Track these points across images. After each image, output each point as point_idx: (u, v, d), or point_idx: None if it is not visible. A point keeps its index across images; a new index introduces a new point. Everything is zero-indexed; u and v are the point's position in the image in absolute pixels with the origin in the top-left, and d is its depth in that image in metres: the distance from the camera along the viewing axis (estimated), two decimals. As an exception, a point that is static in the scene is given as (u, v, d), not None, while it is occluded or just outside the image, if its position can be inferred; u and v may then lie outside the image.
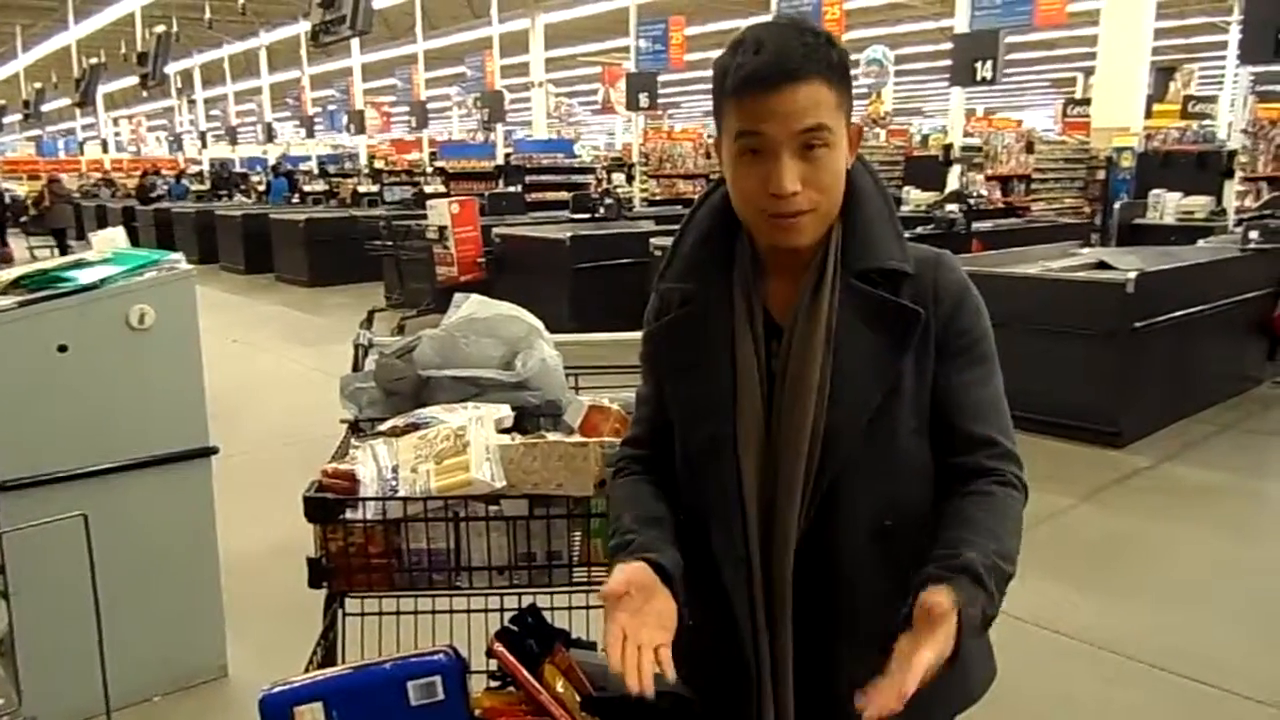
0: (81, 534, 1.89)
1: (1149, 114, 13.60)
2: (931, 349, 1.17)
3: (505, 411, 1.63)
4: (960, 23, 9.09)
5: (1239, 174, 8.72)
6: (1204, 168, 9.76)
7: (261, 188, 20.17)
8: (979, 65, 8.86)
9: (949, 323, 1.18)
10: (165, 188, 21.07)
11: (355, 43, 16.21)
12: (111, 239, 3.23)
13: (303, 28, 16.15)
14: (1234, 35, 16.89)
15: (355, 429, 1.78)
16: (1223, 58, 19.43)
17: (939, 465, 1.19)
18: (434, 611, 1.68)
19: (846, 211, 1.19)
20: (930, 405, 1.18)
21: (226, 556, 3.01)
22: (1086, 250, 7.18)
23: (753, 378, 1.17)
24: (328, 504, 1.46)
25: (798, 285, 1.18)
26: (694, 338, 1.22)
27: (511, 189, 15.13)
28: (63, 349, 2.60)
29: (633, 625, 1.05)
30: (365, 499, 1.46)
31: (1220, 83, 20.38)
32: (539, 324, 1.83)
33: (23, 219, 18.95)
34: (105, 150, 28.79)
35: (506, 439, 1.55)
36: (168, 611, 2.86)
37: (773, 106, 1.08)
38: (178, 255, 2.90)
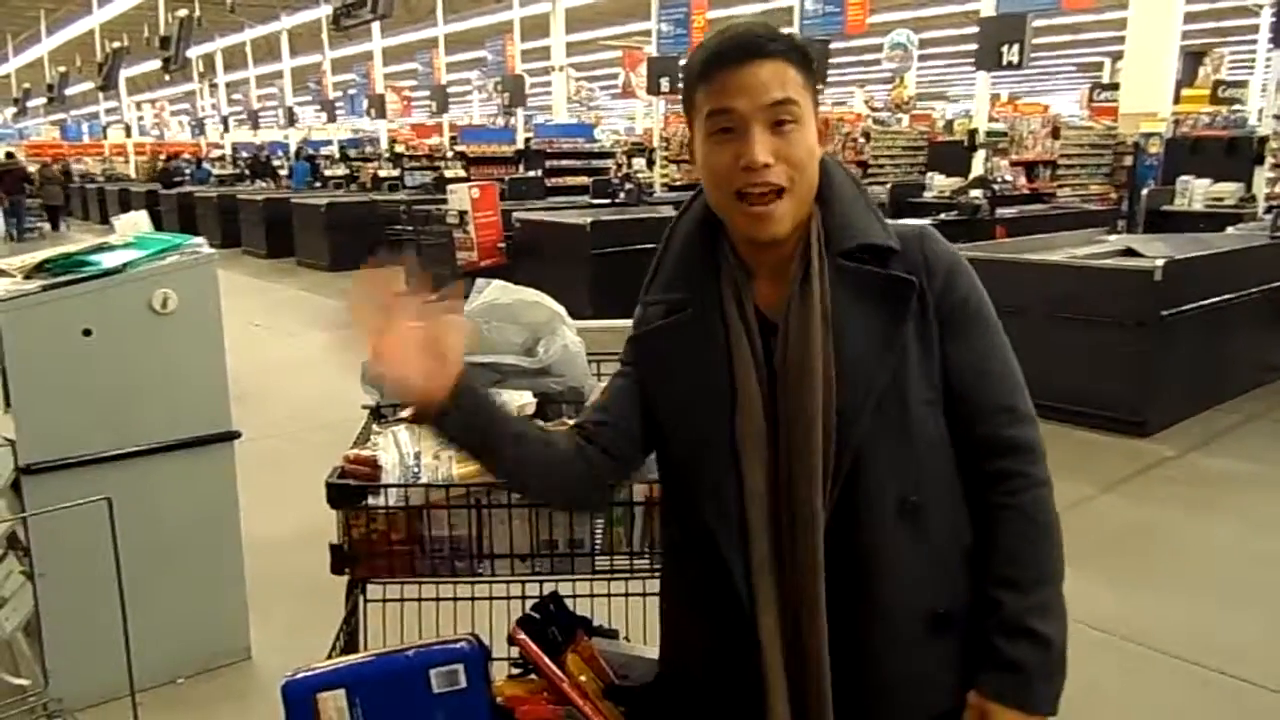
0: (105, 517, 1.91)
1: (1178, 99, 13.39)
2: (933, 320, 1.17)
3: (527, 398, 1.62)
4: (986, 6, 8.96)
5: (1269, 160, 8.56)
6: (1233, 154, 9.59)
7: (285, 173, 20.27)
8: (1005, 49, 8.76)
9: (945, 293, 1.18)
10: (188, 172, 21.19)
11: (376, 26, 16.21)
12: (135, 223, 3.25)
13: (324, 11, 16.17)
14: (1265, 19, 16.58)
15: (377, 415, 1.77)
16: (1254, 41, 19.09)
17: (959, 437, 1.19)
18: (456, 598, 1.68)
19: (823, 198, 1.19)
20: (942, 378, 1.18)
21: (249, 540, 3.02)
22: (1113, 237, 7.08)
23: (750, 377, 1.16)
24: (350, 490, 1.46)
25: (786, 279, 1.18)
26: (686, 343, 1.21)
27: (531, 174, 15.12)
28: (87, 333, 2.61)
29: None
30: (387, 485, 1.46)
31: (1251, 67, 20.04)
32: (561, 310, 1.81)
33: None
34: (128, 134, 28.96)
35: (529, 426, 1.54)
36: (191, 594, 2.88)
37: (741, 82, 1.11)
38: (200, 240, 2.90)
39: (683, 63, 1.20)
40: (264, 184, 20.23)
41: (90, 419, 2.65)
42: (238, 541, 2.98)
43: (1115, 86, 15.66)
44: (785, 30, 1.18)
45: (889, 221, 1.23)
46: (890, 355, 1.14)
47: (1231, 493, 4.67)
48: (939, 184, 10.92)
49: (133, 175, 24.83)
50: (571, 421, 1.38)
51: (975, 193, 8.86)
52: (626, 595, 1.67)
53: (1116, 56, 16.80)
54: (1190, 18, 12.22)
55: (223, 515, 2.94)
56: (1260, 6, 17.56)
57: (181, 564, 2.85)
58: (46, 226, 19.05)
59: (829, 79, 11.13)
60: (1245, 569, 3.80)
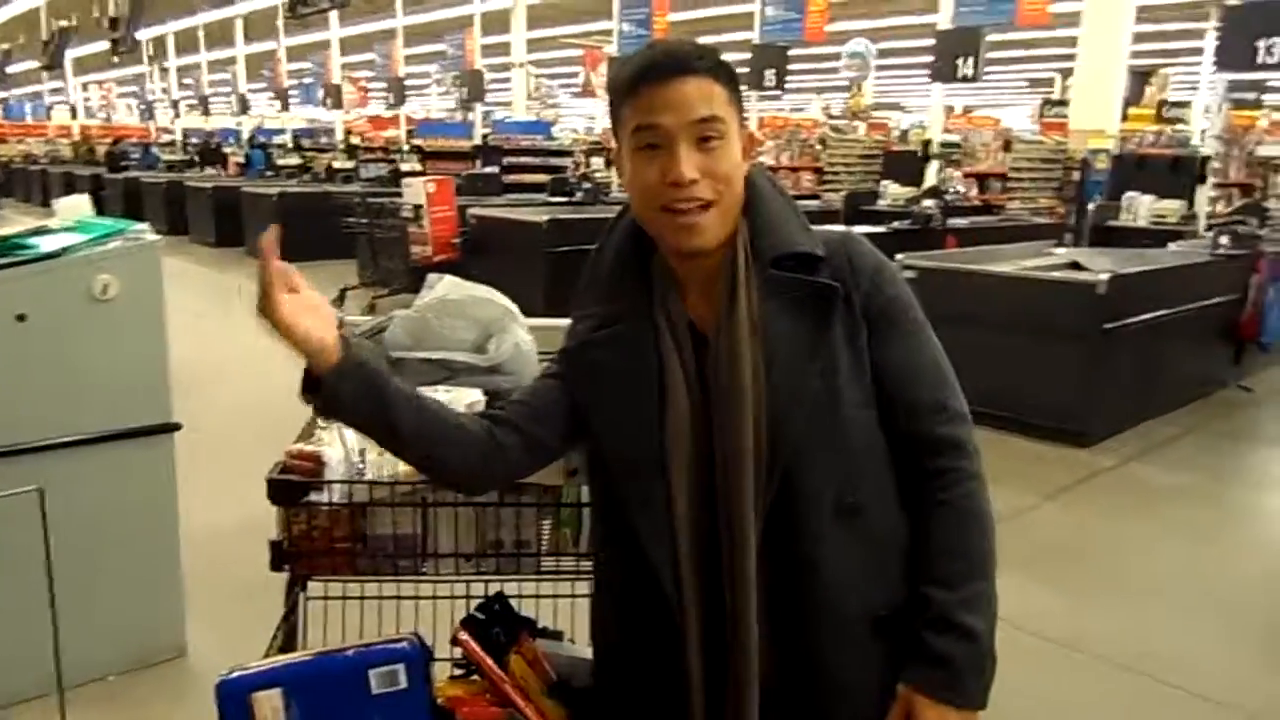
0: (36, 508, 1.85)
1: (1125, 117, 13.72)
2: (861, 323, 1.19)
3: (476, 396, 1.60)
4: (943, 19, 9.10)
5: (1211, 180, 8.82)
6: (1177, 172, 9.86)
7: (240, 160, 19.84)
8: (960, 62, 8.90)
9: (871, 295, 1.20)
10: (135, 157, 20.67)
11: (334, 15, 15.97)
12: (76, 206, 3.15)
13: (280, -2, 15.89)
14: (1210, 42, 17.07)
15: (322, 409, 1.74)
16: (1198, 63, 19.65)
17: (892, 437, 1.21)
18: (399, 597, 1.65)
19: (749, 209, 1.21)
20: (873, 379, 1.19)
21: (188, 534, 2.95)
22: (1060, 250, 7.23)
23: (680, 390, 1.18)
24: (292, 486, 1.43)
25: (716, 292, 1.19)
26: (617, 356, 1.22)
27: (489, 170, 15.00)
28: (21, 318, 2.53)
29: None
30: (331, 482, 1.43)
31: (1195, 88, 20.63)
32: (513, 307, 1.79)
33: None
34: (74, 116, 28.19)
35: (477, 424, 1.52)
36: (125, 589, 2.81)
37: (667, 97, 1.13)
38: (143, 225, 2.83)
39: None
40: (214, 171, 19.80)
41: (24, 406, 2.57)
42: (175, 535, 2.91)
43: (1065, 103, 16.01)
44: (711, 47, 1.19)
45: (821, 228, 1.25)
46: (819, 362, 1.16)
47: (1169, 502, 4.79)
48: (893, 192, 11.06)
49: (64, 156, 24.17)
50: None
51: (928, 202, 8.99)
52: (573, 596, 1.66)
53: (1067, 73, 17.16)
54: (1138, 38, 12.52)
55: (160, 508, 2.87)
56: (1205, 30, 18.09)
57: (116, 557, 2.78)
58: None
59: (787, 85, 11.21)
60: (1182, 578, 3.90)
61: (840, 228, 1.32)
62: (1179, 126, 18.22)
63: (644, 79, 1.14)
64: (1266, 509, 4.93)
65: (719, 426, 1.16)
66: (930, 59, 9.56)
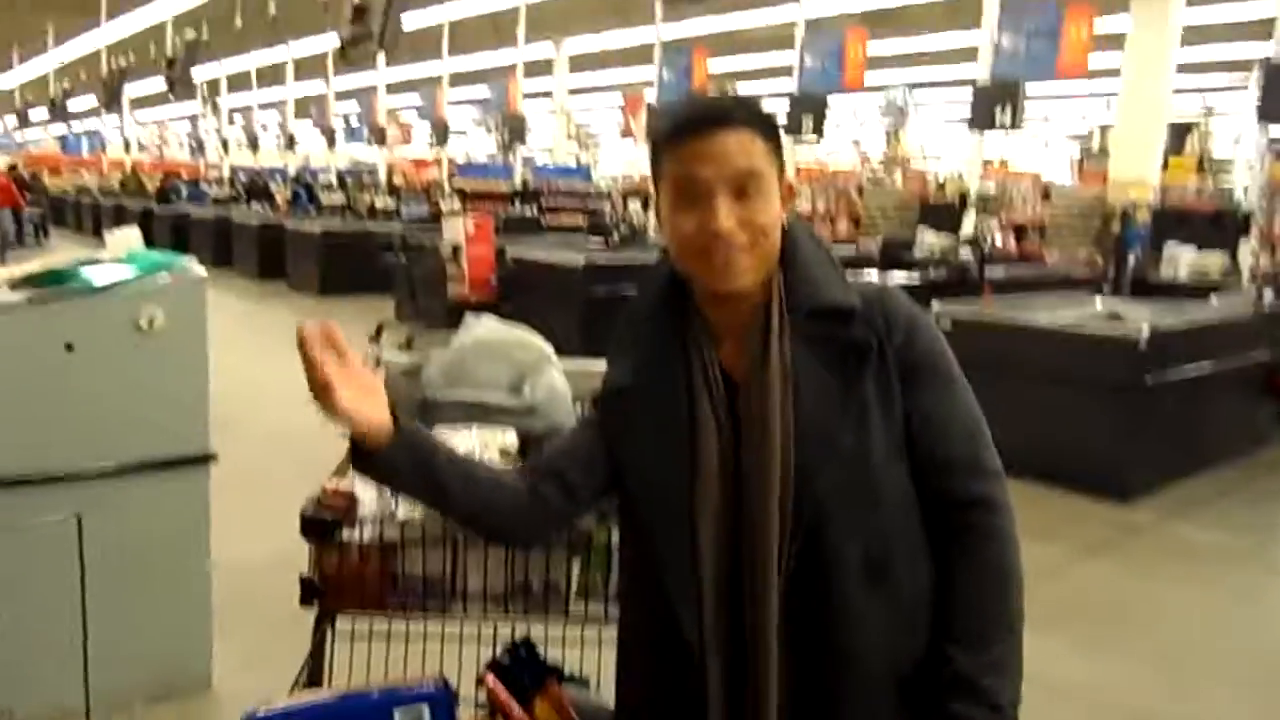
0: (74, 533, 1.88)
1: (1165, 168, 13.62)
2: (894, 378, 1.18)
3: (510, 437, 1.61)
4: (982, 70, 9.13)
5: (1254, 233, 8.69)
6: (1219, 226, 9.71)
7: (287, 197, 20.28)
8: (999, 111, 8.90)
9: (906, 349, 1.19)
10: (185, 192, 21.20)
11: (381, 58, 16.36)
12: (126, 239, 3.23)
13: (330, 41, 16.33)
14: (1252, 94, 16.95)
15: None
16: (1240, 116, 19.49)
17: (923, 492, 1.19)
18: (425, 635, 1.65)
19: (786, 259, 1.21)
20: (905, 434, 1.18)
21: (220, 564, 2.98)
22: (1100, 302, 7.15)
23: (712, 439, 1.18)
24: (325, 523, 1.44)
25: (750, 340, 1.19)
26: (650, 403, 1.22)
27: (528, 211, 15.19)
28: (69, 348, 2.59)
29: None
30: (363, 520, 1.44)
31: (1238, 140, 20.44)
32: (549, 349, 1.81)
33: None
34: (127, 150, 29.01)
35: (509, 466, 1.53)
36: (155, 618, 2.83)
37: (707, 149, 1.14)
38: (191, 260, 2.89)
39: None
40: (259, 207, 20.25)
41: (67, 434, 2.62)
42: (206, 565, 2.93)
43: (1105, 153, 15.94)
44: (753, 100, 1.20)
45: (857, 281, 1.25)
46: (850, 416, 1.16)
47: (1207, 563, 4.67)
48: (929, 241, 11.01)
49: (115, 189, 24.87)
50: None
51: (964, 252, 8.94)
52: (600, 642, 1.64)
53: (1107, 126, 17.12)
54: (1179, 90, 12.48)
55: (193, 538, 2.90)
56: (1247, 84, 17.96)
57: (147, 586, 2.80)
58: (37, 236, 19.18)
59: (824, 132, 11.27)
60: (1218, 640, 3.79)
61: (875, 278, 1.29)
62: (1222, 179, 18.04)
63: (684, 130, 1.15)
64: (1313, 572, 4.79)
65: (747, 476, 1.16)
66: (969, 107, 9.57)
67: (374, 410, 1.12)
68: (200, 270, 2.87)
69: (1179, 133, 17.72)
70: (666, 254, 1.26)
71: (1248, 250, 8.45)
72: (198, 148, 30.51)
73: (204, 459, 2.86)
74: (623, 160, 30.04)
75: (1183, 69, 12.47)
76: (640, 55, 16.77)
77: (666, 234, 1.20)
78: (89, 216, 22.17)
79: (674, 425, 1.20)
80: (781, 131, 1.24)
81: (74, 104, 24.87)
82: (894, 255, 10.74)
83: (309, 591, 1.46)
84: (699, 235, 1.15)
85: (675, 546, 1.17)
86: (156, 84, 19.74)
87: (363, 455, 1.14)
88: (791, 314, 1.19)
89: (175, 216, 17.38)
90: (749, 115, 1.16)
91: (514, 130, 16.28)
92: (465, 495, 1.20)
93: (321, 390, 1.07)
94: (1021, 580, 1.18)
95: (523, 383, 1.73)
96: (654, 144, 1.20)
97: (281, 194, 20.44)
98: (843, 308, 1.19)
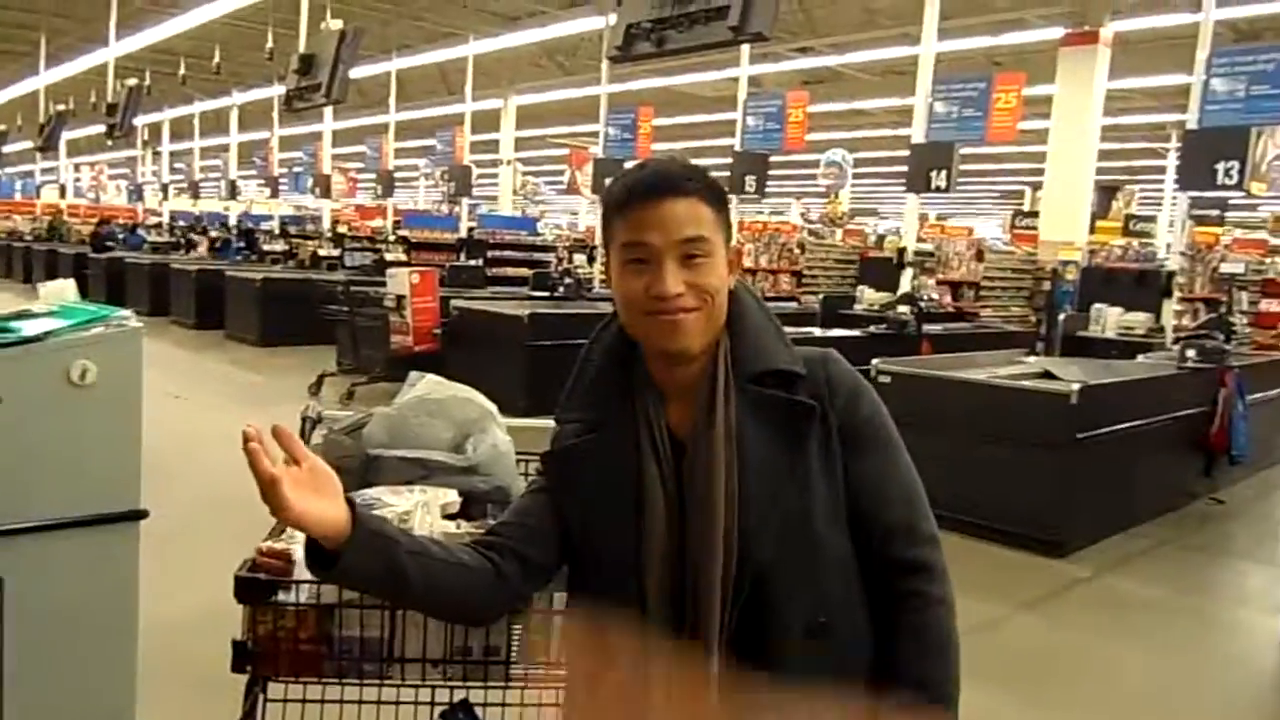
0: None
1: (1092, 229, 14.18)
2: (835, 442, 1.21)
3: (452, 496, 1.60)
4: (917, 133, 9.45)
5: (1177, 294, 9.05)
6: (1143, 285, 10.13)
7: (210, 240, 19.99)
8: (934, 174, 9.20)
9: (848, 414, 1.23)
10: (121, 237, 20.75)
11: (328, 109, 16.34)
12: (60, 291, 3.16)
13: (276, 91, 16.27)
14: (1172, 160, 17.79)
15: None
16: (1161, 180, 20.43)
17: (863, 555, 1.22)
18: (361, 701, 1.61)
19: (732, 323, 1.24)
20: (845, 498, 1.21)
21: (148, 624, 2.86)
22: (1032, 359, 7.36)
23: (657, 496, 1.20)
24: (260, 584, 1.41)
25: (696, 401, 1.22)
26: (598, 462, 1.24)
27: (473, 262, 15.18)
28: (-3, 401, 2.50)
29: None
30: (300, 581, 1.42)
31: (1159, 203, 21.39)
32: (493, 408, 1.81)
33: None
34: (62, 195, 28.39)
35: (452, 525, 1.52)
36: (78, 681, 2.70)
37: (656, 215, 1.17)
38: (127, 312, 2.84)
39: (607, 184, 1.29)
40: (198, 254, 19.91)
41: (-12, 492, 2.52)
42: (134, 627, 2.82)
43: (1035, 214, 16.53)
44: (700, 168, 1.24)
45: (801, 348, 1.28)
46: (793, 478, 1.18)
47: (1143, 616, 4.77)
48: (869, 297, 11.26)
49: (25, 234, 24.28)
50: (492, 522, 1.38)
51: (903, 308, 9.15)
52: (540, 705, 1.62)
53: (1037, 187, 17.79)
54: (1104, 155, 13.04)
55: (121, 598, 2.78)
56: (1167, 149, 18.86)
57: (68, 648, 2.68)
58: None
59: (767, 190, 11.52)
60: (1153, 692, 3.86)
61: (817, 333, 1.34)
62: (1145, 240, 18.82)
63: (635, 197, 1.19)
64: (1239, 623, 4.92)
65: (692, 534, 1.18)
66: (904, 168, 9.87)
67: (328, 510, 1.09)
68: (136, 322, 2.81)
69: (1106, 195, 18.49)
70: (615, 314, 1.28)
71: (1171, 310, 8.80)
72: (136, 193, 29.99)
73: (135, 515, 2.77)
74: (568, 212, 30.26)
75: (1107, 134, 13.05)
76: (586, 110, 17.05)
77: (616, 296, 1.23)
78: (20, 261, 21.58)
79: (621, 482, 1.21)
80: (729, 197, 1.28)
81: (8, 147, 24.32)
82: (834, 311, 10.95)
83: (241, 656, 1.42)
84: (647, 298, 1.18)
85: (622, 601, 1.18)
86: (96, 127, 19.40)
87: (320, 556, 1.12)
88: (737, 378, 1.22)
89: (110, 261, 16.98)
90: (698, 184, 1.19)
91: (460, 182, 16.32)
92: (426, 587, 1.18)
93: (269, 486, 1.04)
94: (958, 646, 1.21)
95: (465, 441, 1.72)
96: (606, 208, 1.24)
97: (205, 240, 20.16)
98: (787, 372, 1.22)
